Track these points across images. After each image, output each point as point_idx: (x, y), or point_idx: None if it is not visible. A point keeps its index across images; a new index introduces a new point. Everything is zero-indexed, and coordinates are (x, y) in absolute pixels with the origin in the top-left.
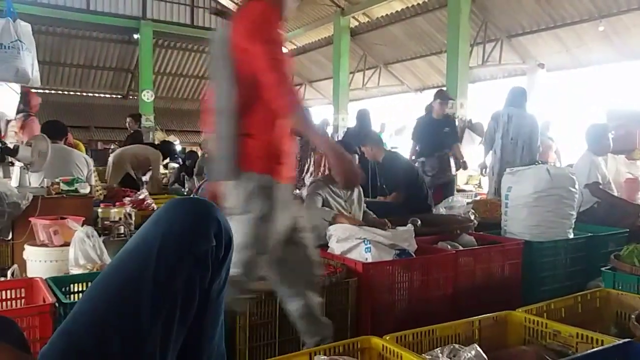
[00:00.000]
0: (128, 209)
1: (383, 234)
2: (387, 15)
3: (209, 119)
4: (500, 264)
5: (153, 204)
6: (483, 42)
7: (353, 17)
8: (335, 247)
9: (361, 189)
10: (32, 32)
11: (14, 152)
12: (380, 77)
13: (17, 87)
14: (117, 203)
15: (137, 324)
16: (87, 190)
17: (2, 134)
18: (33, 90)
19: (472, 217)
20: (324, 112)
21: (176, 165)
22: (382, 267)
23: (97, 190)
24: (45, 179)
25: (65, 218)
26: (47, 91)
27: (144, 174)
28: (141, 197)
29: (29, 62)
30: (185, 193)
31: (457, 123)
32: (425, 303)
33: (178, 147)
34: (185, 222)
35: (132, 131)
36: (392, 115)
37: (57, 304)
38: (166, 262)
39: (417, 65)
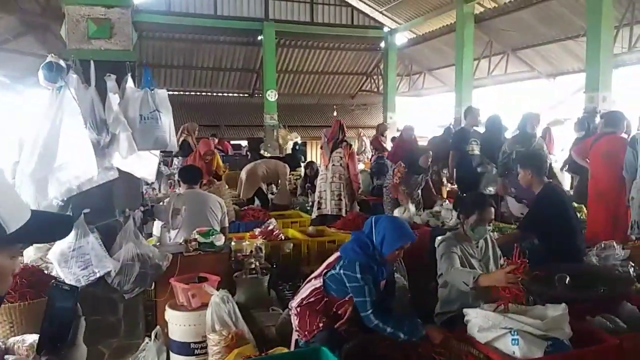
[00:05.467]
0: (259, 241)
1: (533, 322)
2: None
3: None
4: None
5: (281, 234)
6: (630, 24)
7: (478, 3)
8: (477, 337)
9: (495, 241)
10: (164, 40)
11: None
12: (508, 63)
13: (156, 152)
14: (248, 234)
15: None
16: (222, 241)
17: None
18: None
19: (631, 270)
20: (444, 100)
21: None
22: None
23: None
24: (182, 230)
25: (203, 278)
26: (181, 93)
27: (269, 185)
28: (270, 227)
29: (167, 129)
30: (308, 207)
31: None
32: None
33: (298, 140)
34: None
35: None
36: (522, 103)
37: None
38: None
39: (550, 49)
